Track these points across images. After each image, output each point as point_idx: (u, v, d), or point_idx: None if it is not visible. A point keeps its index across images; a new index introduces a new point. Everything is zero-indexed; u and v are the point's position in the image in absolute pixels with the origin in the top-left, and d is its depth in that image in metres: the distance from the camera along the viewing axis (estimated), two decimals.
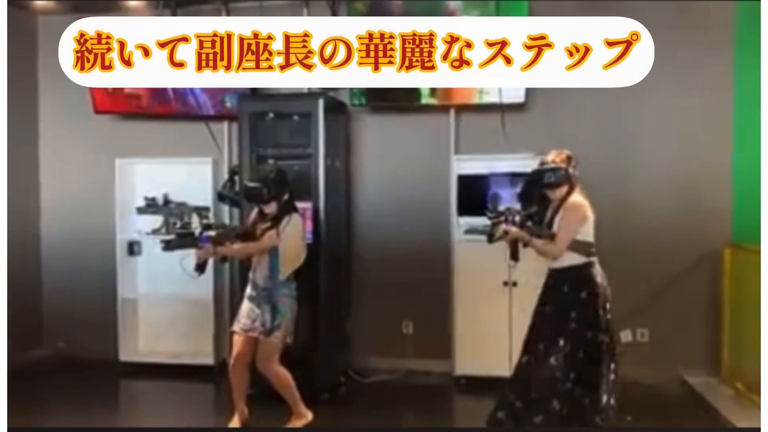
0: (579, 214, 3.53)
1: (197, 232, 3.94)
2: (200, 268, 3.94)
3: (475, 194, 4.86)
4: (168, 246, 3.92)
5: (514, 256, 3.64)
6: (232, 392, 4.09)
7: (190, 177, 5.46)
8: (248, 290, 4.08)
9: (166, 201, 5.51)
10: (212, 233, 3.92)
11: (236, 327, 4.06)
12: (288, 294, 4.00)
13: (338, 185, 5.13)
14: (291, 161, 4.78)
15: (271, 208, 4.00)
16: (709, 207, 5.07)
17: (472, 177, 5.01)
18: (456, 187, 5.07)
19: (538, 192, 3.64)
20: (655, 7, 5.02)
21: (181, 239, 3.97)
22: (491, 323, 4.90)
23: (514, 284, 4.89)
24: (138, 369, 5.41)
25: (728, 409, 4.41)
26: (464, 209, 4.98)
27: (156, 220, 5.48)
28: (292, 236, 3.98)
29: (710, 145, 5.09)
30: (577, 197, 3.56)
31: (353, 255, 5.49)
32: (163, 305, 5.48)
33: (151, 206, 5.49)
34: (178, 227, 4.27)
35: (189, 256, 3.94)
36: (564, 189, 3.55)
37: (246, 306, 4.06)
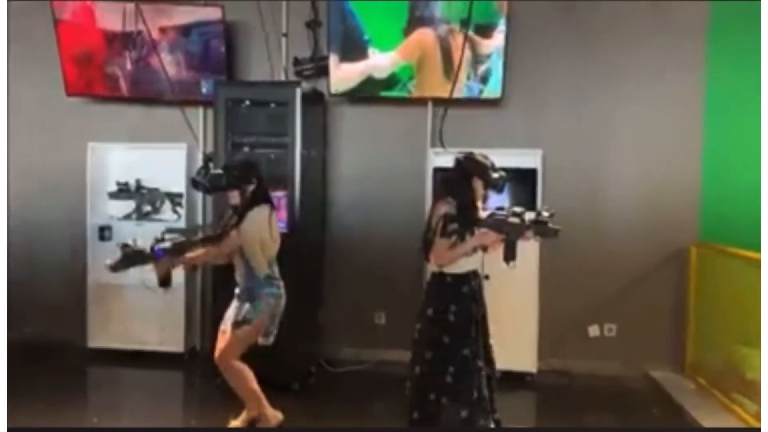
0: None
1: (149, 246, 3.54)
2: (164, 283, 3.61)
3: None
4: (114, 269, 3.55)
5: (509, 257, 3.49)
6: (244, 397, 3.84)
7: (164, 163, 5.39)
8: (236, 289, 3.85)
9: (139, 186, 5.46)
10: (166, 245, 3.55)
11: (222, 327, 3.82)
12: (271, 293, 3.77)
13: (314, 175, 5.11)
14: (267, 149, 4.77)
15: (235, 199, 3.78)
16: (676, 207, 5.16)
17: (448, 170, 5.03)
18: (432, 179, 5.10)
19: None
20: (628, 11, 5.11)
21: (128, 259, 3.54)
22: None
23: (486, 277, 4.91)
24: (107, 355, 5.35)
25: (690, 403, 4.53)
26: None
27: (128, 206, 5.45)
28: (251, 231, 3.71)
29: (679, 148, 5.18)
30: None
31: (327, 245, 5.49)
32: (134, 291, 5.40)
33: (123, 191, 5.45)
34: (123, 246, 3.60)
35: (149, 271, 3.61)
36: None
37: (233, 305, 3.82)
